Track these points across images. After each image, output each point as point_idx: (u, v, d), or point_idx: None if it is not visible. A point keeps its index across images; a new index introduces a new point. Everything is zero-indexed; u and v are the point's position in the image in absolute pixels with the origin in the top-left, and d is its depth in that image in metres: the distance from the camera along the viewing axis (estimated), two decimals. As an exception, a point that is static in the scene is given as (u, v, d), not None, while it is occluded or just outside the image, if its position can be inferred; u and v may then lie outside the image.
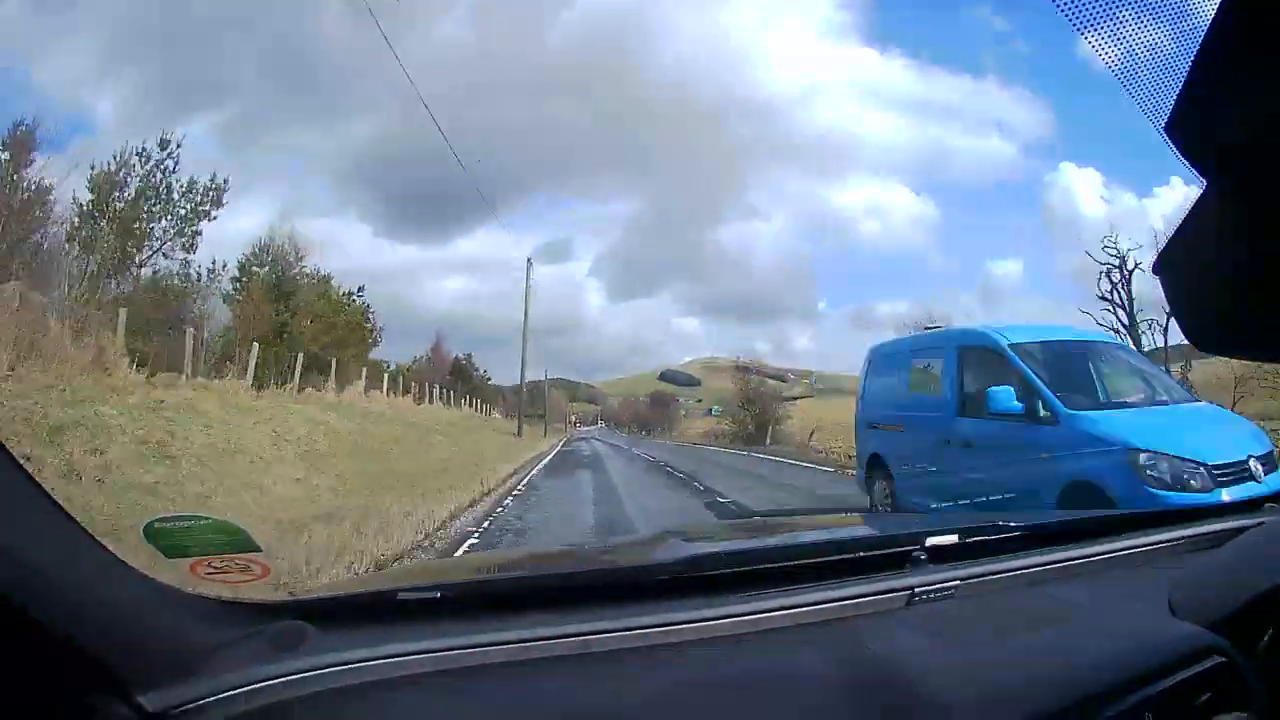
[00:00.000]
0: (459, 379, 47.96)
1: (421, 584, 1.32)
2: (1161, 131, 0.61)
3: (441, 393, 36.40)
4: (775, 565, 1.35)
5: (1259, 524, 1.61)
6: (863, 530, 2.04)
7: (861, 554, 1.43)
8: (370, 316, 33.75)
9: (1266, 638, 1.15)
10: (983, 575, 1.42)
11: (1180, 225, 0.71)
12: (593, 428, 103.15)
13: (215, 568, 1.14)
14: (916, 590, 1.32)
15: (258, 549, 1.18)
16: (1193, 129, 0.61)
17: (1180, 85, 0.60)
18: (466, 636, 1.07)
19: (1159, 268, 0.76)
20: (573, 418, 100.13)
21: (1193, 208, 0.69)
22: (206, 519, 1.17)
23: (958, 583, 1.37)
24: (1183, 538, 1.69)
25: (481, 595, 1.26)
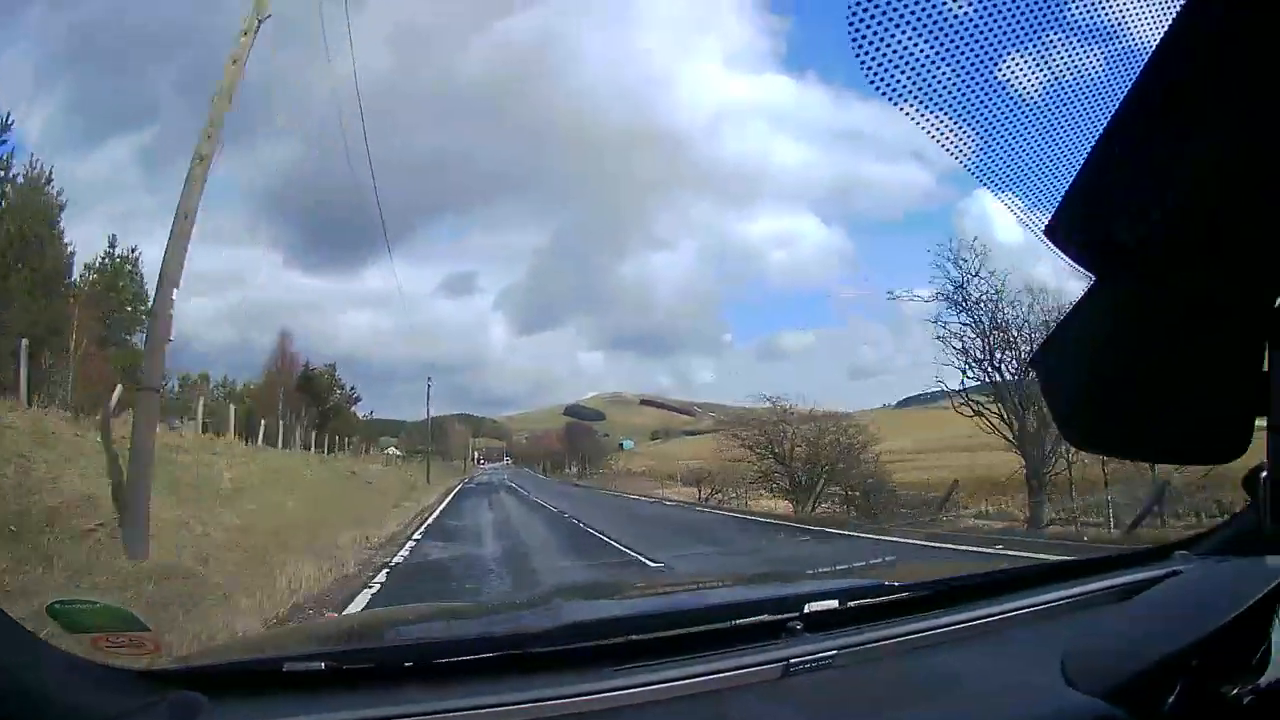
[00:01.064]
0: (311, 398, 35.20)
1: (306, 653, 1.28)
2: (1041, 235, 0.62)
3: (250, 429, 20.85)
4: (654, 636, 1.32)
5: (1170, 574, 1.50)
6: (743, 595, 1.90)
7: (739, 622, 1.38)
8: (135, 272, 20.60)
9: (1173, 696, 1.11)
10: (862, 644, 1.37)
11: (1063, 320, 0.72)
12: (498, 464, 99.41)
13: (113, 643, 1.18)
14: (792, 661, 1.28)
15: (148, 629, 1.25)
16: (1079, 230, 0.62)
17: (1064, 191, 0.61)
18: (348, 711, 1.09)
19: (1036, 361, 0.77)
20: (476, 454, 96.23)
21: (1078, 304, 0.69)
22: (99, 603, 1.27)
23: (835, 652, 1.32)
24: (1082, 594, 1.63)
25: (363, 666, 1.24)
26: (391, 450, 56.09)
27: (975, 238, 15.59)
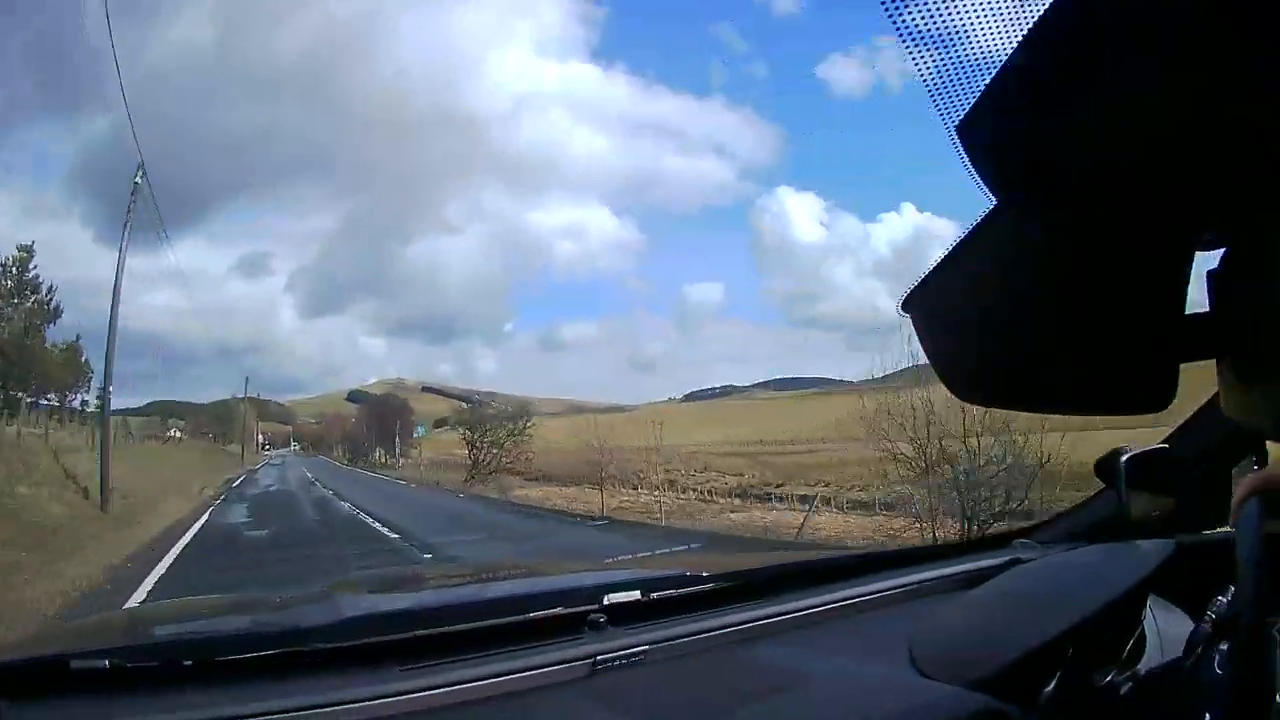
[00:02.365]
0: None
1: (92, 649, 1.18)
2: (952, 132, 0.53)
3: None
4: (443, 630, 1.20)
5: (1012, 561, 1.53)
6: (540, 586, 1.69)
7: (535, 614, 1.26)
8: None
9: (1052, 684, 1.07)
10: (675, 638, 1.27)
11: (949, 253, 0.60)
12: (284, 450, 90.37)
13: None
14: (599, 658, 1.18)
15: None
16: (991, 136, 0.53)
17: (985, 84, 0.52)
18: (129, 714, 1.04)
19: (911, 302, 0.65)
20: (260, 437, 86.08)
21: (969, 234, 0.59)
22: None
23: (645, 647, 1.22)
24: (918, 582, 1.55)
25: (145, 664, 1.13)
26: (175, 433, 48.69)
27: None
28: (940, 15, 0.51)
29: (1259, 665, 0.76)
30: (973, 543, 1.97)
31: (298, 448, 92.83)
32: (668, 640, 1.25)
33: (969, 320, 0.63)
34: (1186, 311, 0.56)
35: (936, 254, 0.62)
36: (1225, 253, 0.56)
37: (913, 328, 0.66)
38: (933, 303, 0.64)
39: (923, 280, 0.62)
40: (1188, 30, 0.42)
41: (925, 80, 0.53)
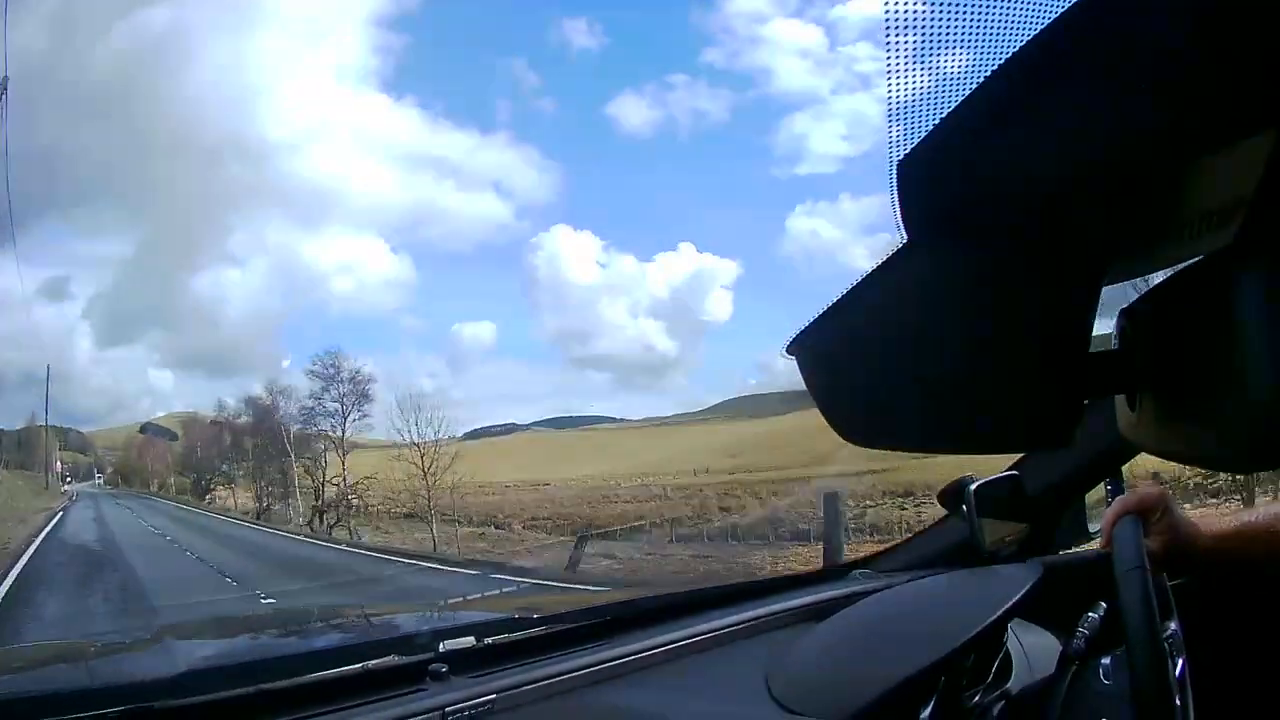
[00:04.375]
0: None
1: None
2: (891, 167, 0.48)
3: None
4: (288, 684, 1.14)
5: (853, 594, 1.53)
6: (375, 632, 1.68)
7: (376, 664, 1.21)
8: None
9: (928, 709, 1.08)
10: (526, 683, 1.22)
11: (846, 294, 0.57)
12: (86, 484, 75.93)
13: None
14: (448, 710, 1.12)
15: None
16: (931, 168, 0.48)
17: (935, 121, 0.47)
18: None
19: (799, 345, 0.62)
20: (60, 465, 72.87)
21: (867, 276, 0.55)
22: None
23: (494, 696, 1.17)
24: (764, 616, 1.52)
25: None
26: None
27: None
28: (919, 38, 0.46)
29: (1159, 673, 0.81)
30: (811, 574, 1.92)
31: (101, 479, 79.39)
32: (515, 687, 1.19)
33: (862, 362, 0.61)
34: (1091, 349, 0.55)
35: (822, 300, 0.58)
36: (1148, 290, 0.56)
37: (799, 371, 0.63)
38: (823, 345, 0.62)
39: (814, 322, 0.60)
40: (1158, 61, 0.40)
41: (889, 106, 0.48)
